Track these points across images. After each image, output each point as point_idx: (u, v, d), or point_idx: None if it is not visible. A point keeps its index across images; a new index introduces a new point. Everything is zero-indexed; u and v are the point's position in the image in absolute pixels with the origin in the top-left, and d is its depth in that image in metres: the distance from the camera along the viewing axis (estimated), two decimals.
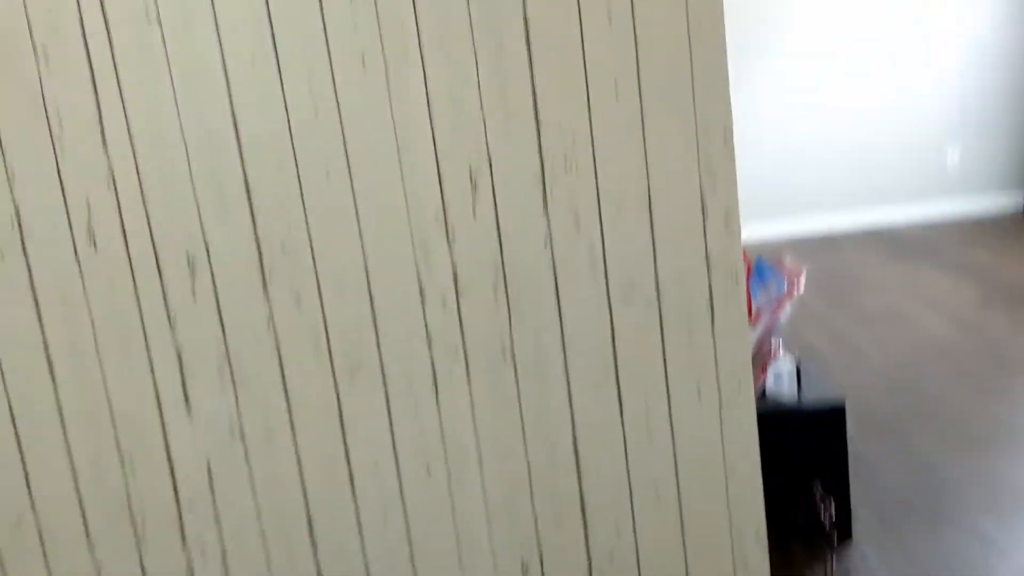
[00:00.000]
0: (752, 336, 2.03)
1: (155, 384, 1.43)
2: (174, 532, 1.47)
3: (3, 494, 1.46)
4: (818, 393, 2.32)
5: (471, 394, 1.45)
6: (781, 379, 2.24)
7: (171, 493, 1.46)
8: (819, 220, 5.97)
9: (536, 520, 1.49)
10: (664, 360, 1.46)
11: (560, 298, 1.43)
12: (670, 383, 1.46)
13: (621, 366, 1.45)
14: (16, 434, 1.45)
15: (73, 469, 1.45)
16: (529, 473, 1.48)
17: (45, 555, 1.48)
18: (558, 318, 1.43)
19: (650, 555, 1.50)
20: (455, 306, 1.42)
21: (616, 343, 1.44)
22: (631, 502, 1.49)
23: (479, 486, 1.48)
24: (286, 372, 1.44)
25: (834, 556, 2.36)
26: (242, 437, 1.45)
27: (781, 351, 2.14)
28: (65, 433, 1.44)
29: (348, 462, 1.46)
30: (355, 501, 1.47)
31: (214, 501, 1.47)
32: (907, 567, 2.30)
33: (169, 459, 1.45)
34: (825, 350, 4.07)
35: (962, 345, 3.93)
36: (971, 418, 3.14)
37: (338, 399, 1.44)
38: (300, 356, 1.43)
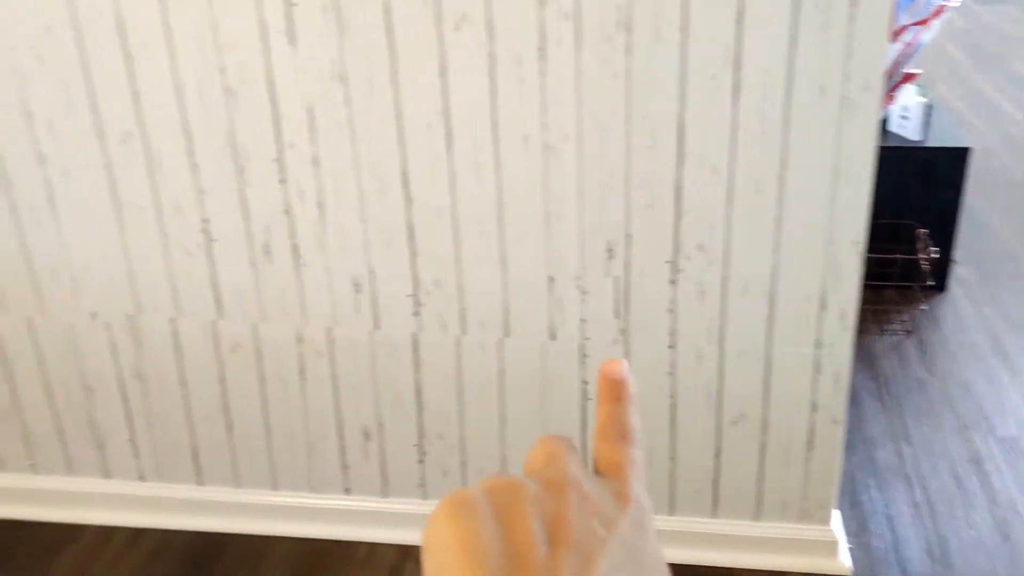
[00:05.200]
0: (890, 52, 1.88)
1: (261, 17, 1.40)
2: (274, 170, 1.50)
3: (112, 114, 1.49)
4: (944, 137, 2.17)
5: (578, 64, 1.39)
6: (908, 114, 2.09)
7: (272, 130, 1.47)
8: None
9: (628, 205, 1.47)
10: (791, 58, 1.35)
11: None
12: (795, 79, 1.37)
13: (745, 57, 1.36)
14: (125, 49, 1.46)
15: (179, 93, 1.47)
16: (627, 157, 1.44)
17: (151, 173, 1.53)
18: None
19: (741, 246, 1.46)
20: None
21: (742, 34, 1.34)
22: (730, 198, 1.44)
23: (574, 163, 1.44)
24: (392, 17, 1.39)
25: (926, 302, 2.32)
26: (344, 82, 1.43)
27: (914, 85, 1.99)
28: (172, 54, 1.44)
29: (446, 118, 1.44)
30: (450, 159, 1.46)
31: (314, 144, 1.48)
32: (997, 322, 2.24)
33: (272, 96, 1.45)
34: (962, 106, 3.82)
35: None
36: None
37: (442, 52, 1.40)
38: (407, 1, 1.37)
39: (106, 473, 1.78)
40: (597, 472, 0.33)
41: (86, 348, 1.67)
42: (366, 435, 1.69)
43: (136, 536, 1.77)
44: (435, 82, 1.42)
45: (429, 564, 0.28)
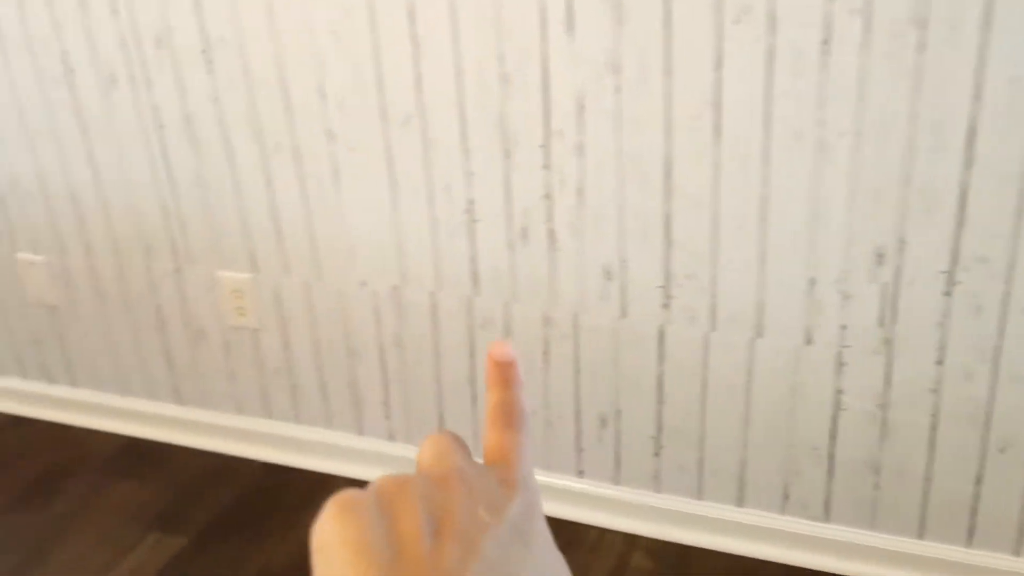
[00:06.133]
0: None
1: (542, 5, 1.45)
2: (539, 156, 1.54)
3: (396, 96, 1.59)
4: None
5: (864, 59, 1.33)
6: None
7: (541, 117, 1.52)
8: None
9: (904, 209, 1.39)
10: None
11: None
12: None
13: None
14: (412, 35, 1.54)
15: (458, 78, 1.54)
16: (908, 158, 1.36)
17: (426, 154, 1.62)
18: None
19: None
20: None
21: None
22: (1021, 209, 1.34)
23: (848, 162, 1.39)
24: (671, 7, 1.39)
25: None
26: (616, 71, 1.45)
27: None
28: (455, 40, 1.52)
29: (716, 110, 1.42)
30: (716, 152, 1.45)
31: (580, 132, 1.51)
32: None
33: (544, 84, 1.49)
34: None
35: None
36: None
37: (718, 44, 1.38)
38: None
39: (360, 430, 1.91)
40: (487, 460, 0.34)
41: (354, 314, 1.80)
42: (603, 421, 1.71)
43: None
44: (708, 74, 1.40)
45: (319, 562, 0.29)
